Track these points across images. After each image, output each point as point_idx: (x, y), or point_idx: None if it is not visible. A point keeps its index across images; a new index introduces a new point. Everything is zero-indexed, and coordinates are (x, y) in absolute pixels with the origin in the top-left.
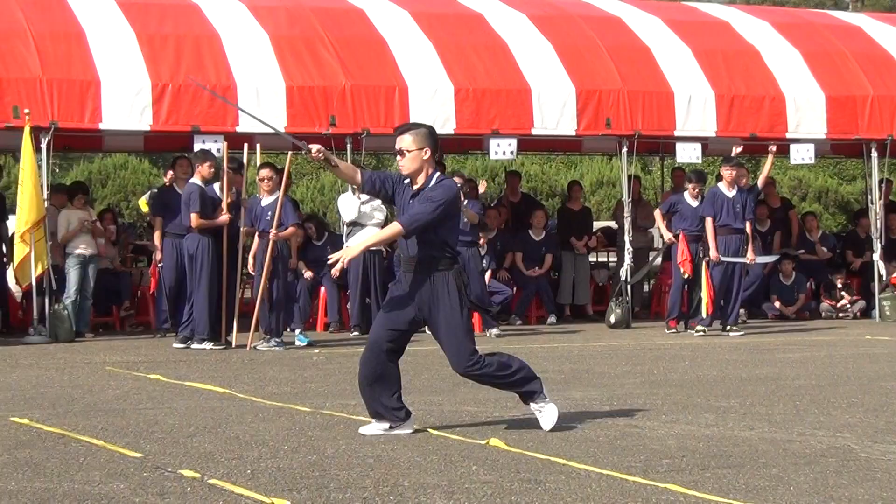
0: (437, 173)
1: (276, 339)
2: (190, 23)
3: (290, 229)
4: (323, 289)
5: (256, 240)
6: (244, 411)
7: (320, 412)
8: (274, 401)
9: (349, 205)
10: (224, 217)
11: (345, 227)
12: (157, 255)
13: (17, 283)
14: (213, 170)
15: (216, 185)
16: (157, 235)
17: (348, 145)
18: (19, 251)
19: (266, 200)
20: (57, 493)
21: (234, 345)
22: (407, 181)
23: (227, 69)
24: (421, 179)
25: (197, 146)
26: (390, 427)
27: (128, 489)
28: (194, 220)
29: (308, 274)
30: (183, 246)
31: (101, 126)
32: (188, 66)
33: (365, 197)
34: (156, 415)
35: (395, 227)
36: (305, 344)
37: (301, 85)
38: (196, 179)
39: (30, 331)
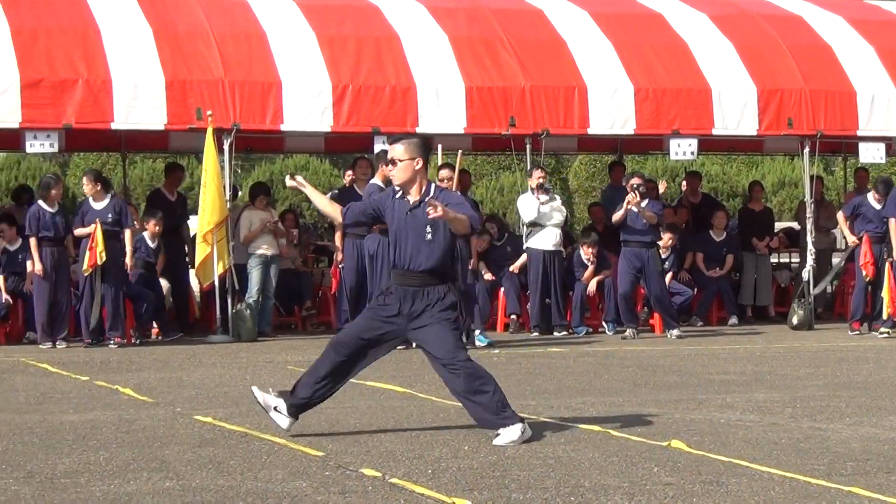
0: (433, 184)
1: None
2: (370, 24)
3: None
4: (502, 289)
5: None
6: (425, 411)
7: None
8: (454, 401)
9: (529, 205)
10: None
11: (525, 227)
12: (339, 256)
13: (199, 282)
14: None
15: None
16: (338, 236)
17: (528, 146)
18: (201, 251)
19: None
20: (240, 491)
21: (414, 345)
22: (398, 195)
23: (407, 70)
24: (415, 190)
25: (377, 147)
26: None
27: (310, 487)
28: None
29: (488, 276)
30: (364, 246)
31: (283, 127)
32: (369, 67)
33: (545, 197)
34: (337, 414)
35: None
36: (486, 344)
37: (480, 86)
38: (377, 180)
39: (216, 330)
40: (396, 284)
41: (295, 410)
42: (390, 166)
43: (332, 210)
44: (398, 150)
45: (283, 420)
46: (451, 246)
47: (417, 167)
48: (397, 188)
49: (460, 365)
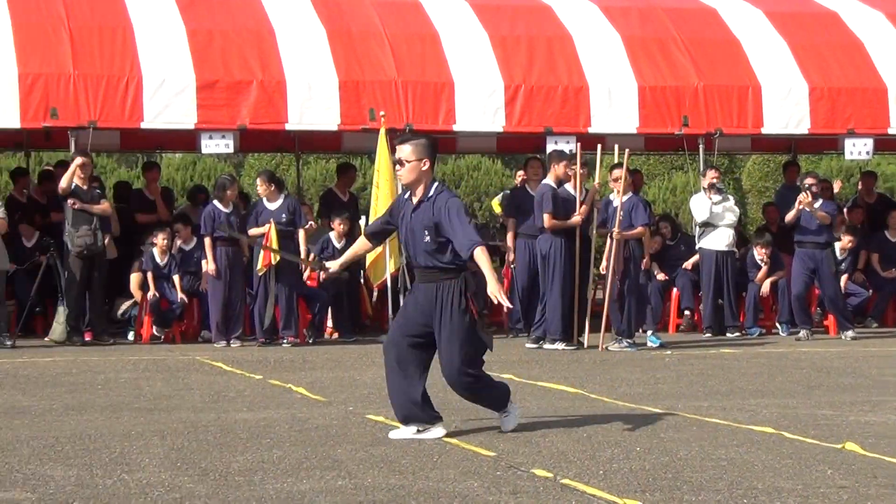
0: (436, 183)
1: (628, 340)
2: (542, 24)
3: (639, 229)
4: (675, 289)
5: (609, 240)
6: (596, 412)
7: (673, 413)
8: (626, 401)
9: (702, 205)
10: (576, 218)
11: (697, 227)
12: (510, 256)
13: (370, 281)
14: (567, 170)
15: (568, 185)
16: (510, 236)
17: (700, 146)
18: (373, 251)
19: (617, 201)
20: (412, 491)
21: (585, 345)
22: (406, 196)
23: (580, 70)
24: (420, 191)
25: (549, 147)
26: (418, 431)
27: (481, 487)
28: (547, 220)
29: (661, 276)
30: (536, 246)
31: (455, 128)
32: (541, 67)
33: (717, 197)
34: None
35: (484, 256)
36: (657, 345)
37: (653, 85)
38: (549, 180)
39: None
40: (417, 282)
41: (434, 417)
42: (398, 166)
43: (364, 246)
44: (406, 151)
45: (436, 431)
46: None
47: (424, 168)
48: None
49: (460, 384)
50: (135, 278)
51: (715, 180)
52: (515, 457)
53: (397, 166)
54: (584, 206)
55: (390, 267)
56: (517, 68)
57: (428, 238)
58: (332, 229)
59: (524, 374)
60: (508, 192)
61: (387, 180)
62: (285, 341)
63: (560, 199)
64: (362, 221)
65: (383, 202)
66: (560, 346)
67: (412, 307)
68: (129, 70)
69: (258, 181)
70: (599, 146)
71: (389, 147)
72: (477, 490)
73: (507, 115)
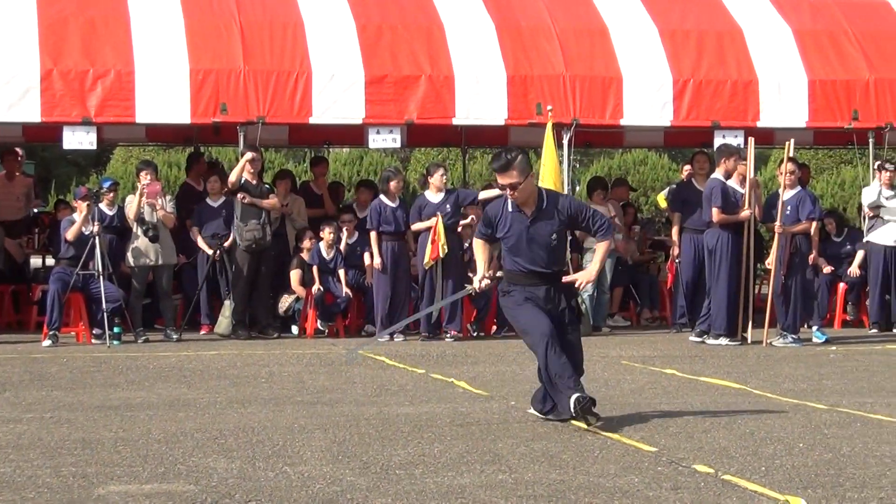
0: (538, 189)
1: (793, 336)
2: (711, 18)
3: (805, 224)
4: (841, 285)
5: (775, 235)
6: (759, 407)
7: (836, 410)
8: (789, 397)
9: (871, 194)
10: (746, 212)
11: (866, 219)
12: (675, 251)
13: None
14: (736, 165)
15: (731, 180)
16: (675, 231)
17: (870, 140)
18: None
19: (787, 194)
20: (572, 485)
21: (749, 341)
22: (511, 210)
23: (749, 63)
24: (533, 202)
25: (717, 141)
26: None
27: (641, 483)
28: (716, 214)
29: (828, 269)
30: (702, 241)
31: (622, 122)
32: (709, 61)
33: (889, 192)
34: (670, 410)
35: (603, 244)
36: (823, 341)
37: (823, 79)
38: (719, 174)
39: None
40: (521, 286)
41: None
42: (510, 191)
43: (487, 249)
44: (514, 175)
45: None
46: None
47: (532, 181)
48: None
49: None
50: (295, 275)
51: (889, 172)
52: (677, 452)
53: (508, 191)
54: (750, 201)
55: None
56: (686, 62)
57: (556, 242)
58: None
59: (687, 369)
60: (674, 186)
61: (551, 175)
62: (448, 336)
63: (729, 193)
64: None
65: None
66: (724, 341)
67: (536, 304)
68: (299, 65)
69: (436, 173)
70: (752, 140)
71: (556, 142)
72: (637, 485)
73: (675, 110)
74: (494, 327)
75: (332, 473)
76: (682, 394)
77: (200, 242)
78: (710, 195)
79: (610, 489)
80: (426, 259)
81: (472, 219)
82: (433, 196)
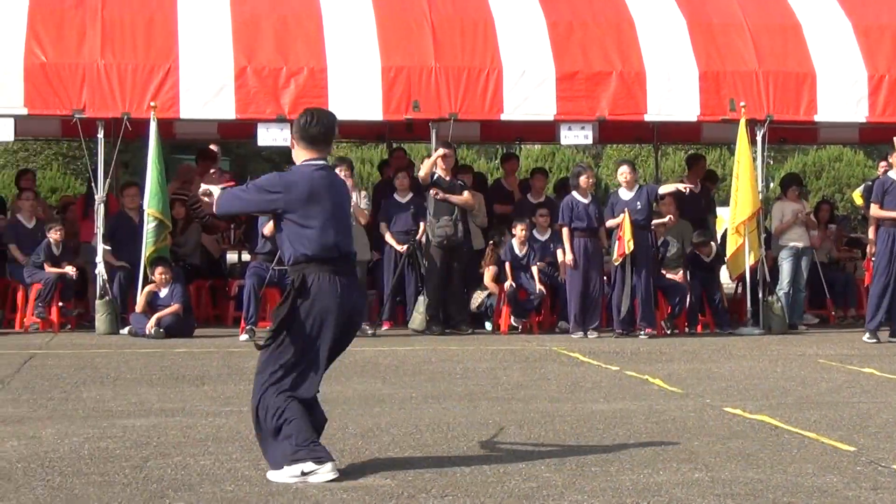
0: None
1: None
2: None
3: None
4: None
5: None
6: None
7: None
8: None
9: None
10: None
11: None
12: (871, 249)
13: (729, 273)
14: None
15: None
16: (871, 229)
17: None
18: (732, 242)
19: None
20: (769, 485)
21: None
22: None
23: None
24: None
25: None
26: None
27: (840, 482)
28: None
29: None
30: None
31: (816, 118)
32: None
33: None
34: (869, 409)
35: None
36: None
37: None
38: None
39: (746, 322)
40: None
41: None
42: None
43: None
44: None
45: None
46: None
47: None
48: None
49: None
50: (489, 271)
51: None
52: (876, 452)
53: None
54: None
55: (749, 259)
56: (881, 58)
57: None
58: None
59: (886, 368)
60: (870, 183)
61: (746, 172)
62: (642, 333)
63: None
64: (721, 212)
65: (744, 193)
66: None
67: None
68: (490, 62)
69: (619, 170)
70: None
71: (749, 138)
72: (836, 485)
73: (871, 105)
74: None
75: (528, 469)
76: (882, 393)
77: (388, 238)
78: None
79: (808, 489)
80: (614, 255)
81: (670, 218)
82: (625, 193)
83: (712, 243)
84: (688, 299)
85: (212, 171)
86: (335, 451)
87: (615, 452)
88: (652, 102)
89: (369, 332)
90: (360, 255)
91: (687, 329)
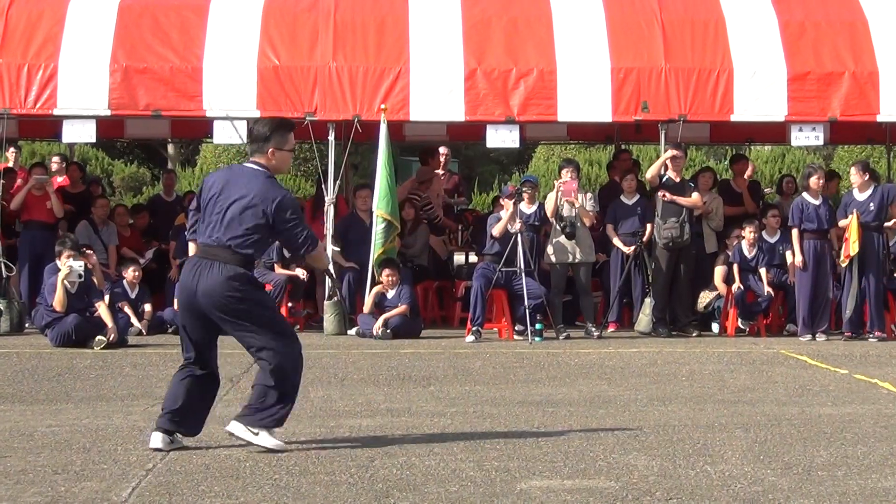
0: None
1: None
2: None
3: None
4: None
5: None
6: None
7: None
8: None
9: None
10: None
11: None
12: None
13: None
14: None
15: None
16: None
17: None
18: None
19: None
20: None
21: None
22: None
23: None
24: None
25: None
26: None
27: None
28: None
29: None
30: None
31: None
32: None
33: None
34: None
35: None
36: None
37: None
38: None
39: None
40: None
41: None
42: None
43: None
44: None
45: None
46: None
47: None
48: None
49: None
50: (719, 271)
51: None
52: None
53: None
54: None
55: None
56: None
57: None
58: None
59: None
60: None
61: None
62: (872, 336)
63: None
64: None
65: None
66: None
67: None
68: (720, 62)
69: (852, 171)
70: None
71: None
72: None
73: None
74: None
75: (754, 473)
76: None
77: (615, 240)
78: None
79: None
80: (841, 257)
81: None
82: (859, 194)
83: None
84: None
85: (440, 172)
86: (559, 452)
87: (843, 457)
88: (885, 102)
89: (595, 333)
90: (584, 257)
91: None
